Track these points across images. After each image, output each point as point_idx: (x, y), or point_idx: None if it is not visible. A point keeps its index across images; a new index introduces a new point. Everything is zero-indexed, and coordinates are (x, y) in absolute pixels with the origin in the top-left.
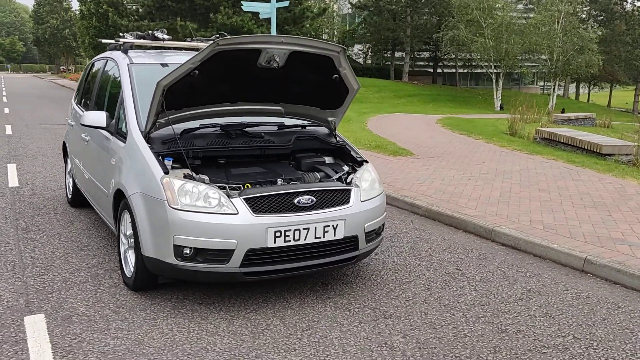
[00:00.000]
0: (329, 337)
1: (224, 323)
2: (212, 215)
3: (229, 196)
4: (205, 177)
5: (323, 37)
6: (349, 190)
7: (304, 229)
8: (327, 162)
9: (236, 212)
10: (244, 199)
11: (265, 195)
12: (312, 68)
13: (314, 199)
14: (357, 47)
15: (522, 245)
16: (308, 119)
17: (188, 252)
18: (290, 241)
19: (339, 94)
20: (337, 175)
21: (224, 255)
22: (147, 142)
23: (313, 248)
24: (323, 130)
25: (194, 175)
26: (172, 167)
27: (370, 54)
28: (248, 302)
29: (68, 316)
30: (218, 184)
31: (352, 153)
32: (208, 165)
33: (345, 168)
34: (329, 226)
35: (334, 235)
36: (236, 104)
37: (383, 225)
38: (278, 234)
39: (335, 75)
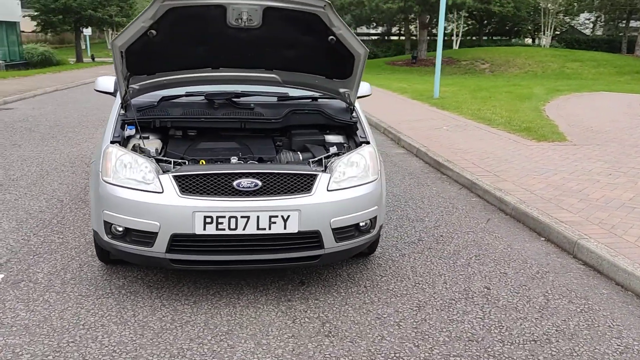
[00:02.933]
0: (237, 349)
1: (147, 309)
2: (136, 192)
3: (165, 172)
4: (153, 149)
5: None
6: (312, 176)
7: (242, 217)
8: (333, 141)
9: (161, 191)
10: (174, 176)
11: (197, 174)
12: (301, 28)
13: (259, 183)
14: (583, 17)
15: (605, 267)
16: (315, 89)
17: (119, 230)
18: (224, 230)
19: (345, 61)
20: (318, 158)
21: (148, 237)
22: (125, 109)
23: (256, 241)
24: (338, 104)
25: (142, 146)
26: (141, 137)
27: (600, 23)
28: (190, 290)
29: (21, 280)
30: (167, 159)
31: (359, 132)
32: (184, 136)
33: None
34: (276, 217)
35: (284, 229)
36: (218, 70)
37: (372, 221)
38: (209, 220)
39: (331, 37)
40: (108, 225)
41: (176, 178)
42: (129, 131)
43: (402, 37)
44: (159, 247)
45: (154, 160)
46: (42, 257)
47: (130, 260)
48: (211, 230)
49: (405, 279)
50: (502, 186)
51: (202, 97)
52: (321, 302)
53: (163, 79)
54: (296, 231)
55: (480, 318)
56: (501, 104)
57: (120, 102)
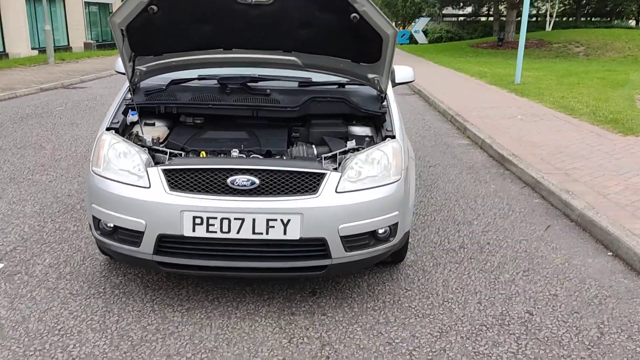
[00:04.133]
0: None
1: (133, 315)
2: (123, 186)
3: (156, 165)
4: (150, 138)
5: None
6: (319, 175)
7: (235, 219)
8: (359, 133)
9: (148, 186)
10: (163, 170)
11: (187, 168)
12: (319, 4)
13: (256, 181)
14: None
15: None
16: (341, 74)
17: (108, 226)
18: (215, 232)
19: (371, 43)
20: (331, 153)
21: (135, 237)
22: (134, 92)
23: (251, 246)
24: (368, 91)
25: (140, 134)
26: (141, 124)
27: None
28: (188, 294)
29: (17, 272)
30: (164, 149)
31: (386, 124)
32: (191, 124)
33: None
34: (275, 220)
35: (284, 234)
36: (231, 52)
37: (392, 228)
38: (198, 221)
39: (354, 15)
40: (96, 221)
41: (165, 172)
42: (132, 117)
43: (491, 18)
44: (146, 248)
45: (146, 151)
46: (49, 247)
47: (120, 259)
48: (201, 232)
49: (433, 295)
50: (570, 187)
51: (215, 82)
52: (328, 318)
53: (171, 61)
54: (298, 238)
55: (513, 353)
56: (589, 92)
57: (128, 85)
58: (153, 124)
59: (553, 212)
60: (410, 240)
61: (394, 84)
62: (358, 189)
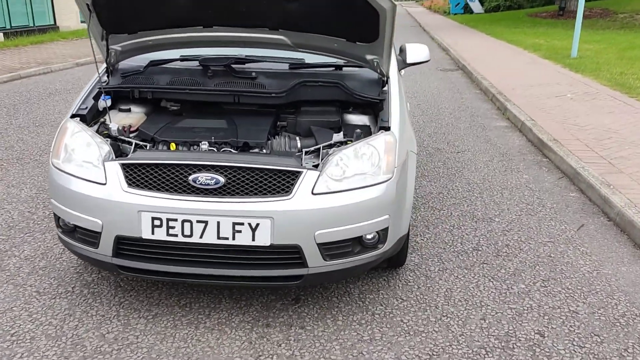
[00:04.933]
0: None
1: (95, 320)
2: (79, 181)
3: (116, 159)
4: (116, 127)
5: None
6: (293, 174)
7: (198, 222)
8: (355, 122)
9: (104, 182)
10: (121, 165)
11: (145, 163)
12: None
13: (221, 179)
14: None
15: None
16: (336, 55)
17: (68, 224)
18: (176, 235)
19: (367, 19)
20: (314, 147)
21: (92, 237)
22: (111, 74)
23: (217, 252)
24: (368, 75)
25: (107, 122)
26: (120, 109)
27: None
28: (160, 297)
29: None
30: (130, 140)
31: (382, 112)
32: (168, 111)
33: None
34: (242, 224)
35: (252, 240)
36: (212, 29)
37: (381, 233)
38: (157, 222)
39: None
40: (57, 218)
41: (124, 167)
42: (103, 102)
43: None
44: (105, 250)
45: (108, 142)
46: (32, 236)
47: (83, 260)
48: (161, 235)
49: (431, 307)
50: (613, 180)
51: (197, 63)
52: (306, 332)
53: (148, 39)
54: (268, 244)
55: None
56: None
57: (104, 66)
58: (128, 110)
59: (590, 208)
60: (416, 239)
61: (406, 65)
62: (339, 189)
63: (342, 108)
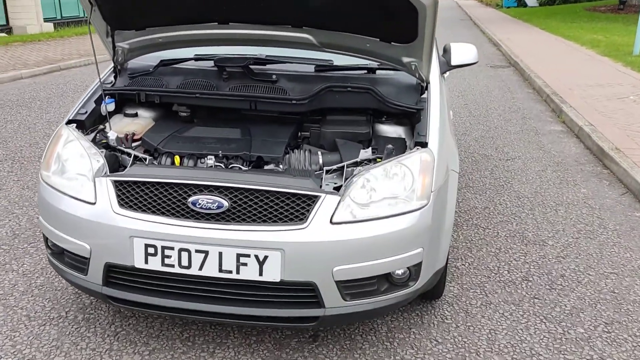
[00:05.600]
0: None
1: (83, 355)
2: (66, 199)
3: (120, 170)
4: (114, 135)
5: None
6: (308, 199)
7: (197, 251)
8: (390, 134)
9: (93, 201)
10: (114, 182)
11: (139, 181)
12: None
13: (224, 202)
14: None
15: None
16: (368, 57)
17: (56, 246)
18: (173, 266)
19: (404, 17)
20: (337, 166)
21: (81, 262)
22: (119, 74)
23: (219, 287)
24: (406, 79)
25: (107, 129)
26: (126, 114)
27: None
28: (162, 328)
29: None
30: (129, 151)
31: (420, 125)
32: (178, 117)
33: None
34: (247, 256)
35: (259, 275)
36: (228, 27)
37: (414, 269)
38: (151, 250)
39: None
40: (45, 237)
41: (116, 185)
42: (109, 106)
43: None
44: (94, 278)
45: (102, 154)
46: (35, 247)
47: (73, 286)
48: (155, 264)
49: (471, 354)
50: None
51: (212, 63)
52: None
53: (157, 37)
54: (278, 280)
55: None
56: None
57: (112, 66)
58: (135, 115)
59: None
60: (456, 264)
61: (449, 67)
62: (363, 218)
63: (374, 117)
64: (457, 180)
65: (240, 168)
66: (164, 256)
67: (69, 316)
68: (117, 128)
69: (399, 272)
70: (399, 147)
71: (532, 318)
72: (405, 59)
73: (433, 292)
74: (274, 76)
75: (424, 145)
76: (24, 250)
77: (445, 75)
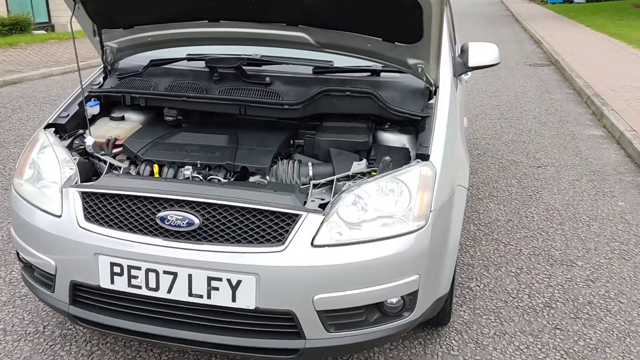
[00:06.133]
0: None
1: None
2: (33, 210)
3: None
4: (90, 141)
5: None
6: (288, 218)
7: (165, 272)
8: (390, 143)
9: (59, 214)
10: (82, 193)
11: (105, 193)
12: None
13: (195, 220)
14: None
15: None
16: (370, 58)
17: (25, 259)
18: (140, 287)
19: (409, 15)
20: (325, 180)
21: (48, 278)
22: (109, 74)
23: (190, 311)
24: (411, 83)
25: (87, 135)
26: (112, 118)
27: None
28: (141, 350)
29: None
30: (105, 158)
31: (423, 134)
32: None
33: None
34: (219, 280)
35: (232, 301)
36: (219, 24)
37: (409, 298)
38: (117, 269)
39: None
40: (16, 250)
41: (83, 197)
42: (91, 108)
43: None
44: (61, 295)
45: (75, 161)
46: None
47: (42, 302)
48: (121, 284)
49: None
50: None
51: (204, 64)
52: None
53: (146, 35)
54: (252, 307)
55: None
56: None
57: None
58: (121, 118)
59: None
60: (470, 284)
61: (467, 69)
62: (350, 241)
63: (376, 124)
64: (465, 198)
65: (219, 180)
66: (130, 276)
67: (45, 331)
68: (101, 132)
69: (393, 300)
70: (401, 159)
71: (551, 353)
72: (411, 61)
73: (437, 319)
74: (267, 78)
75: (425, 157)
76: (9, 258)
77: (466, 77)
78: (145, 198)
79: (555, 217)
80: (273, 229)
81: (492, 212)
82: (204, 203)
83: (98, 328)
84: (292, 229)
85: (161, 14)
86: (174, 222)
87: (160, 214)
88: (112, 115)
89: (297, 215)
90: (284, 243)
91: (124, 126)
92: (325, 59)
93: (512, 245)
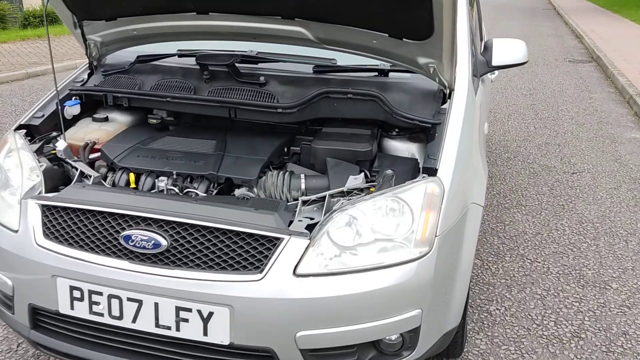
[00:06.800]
0: None
1: None
2: None
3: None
4: (62, 145)
5: None
6: (269, 241)
7: (129, 300)
8: (399, 152)
9: (16, 229)
10: (42, 206)
11: (69, 208)
12: None
13: (163, 241)
14: None
15: None
16: (376, 56)
17: None
18: (102, 315)
19: (419, 8)
20: (316, 196)
21: (7, 298)
22: (95, 70)
23: (157, 343)
24: (423, 85)
25: (60, 138)
26: (94, 119)
27: None
28: None
29: None
30: (77, 164)
31: (432, 145)
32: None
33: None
34: (188, 310)
35: (204, 334)
36: (208, 17)
37: (410, 335)
38: (77, 294)
39: None
40: None
41: (43, 210)
42: (70, 108)
43: None
44: (21, 318)
45: (40, 169)
46: None
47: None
48: (82, 311)
49: None
50: None
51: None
52: None
53: (131, 28)
54: (226, 343)
55: None
56: None
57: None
58: (105, 119)
59: None
60: (489, 307)
61: (490, 69)
62: (339, 270)
63: (384, 130)
64: (481, 216)
65: (196, 194)
66: (91, 302)
67: (19, 350)
68: (80, 135)
69: (393, 337)
70: (407, 171)
71: None
72: (422, 60)
73: (447, 352)
74: (261, 78)
75: (432, 172)
76: None
77: (492, 76)
78: (110, 214)
79: (589, 231)
80: (250, 254)
81: (519, 223)
82: (173, 222)
83: (60, 357)
84: (271, 255)
85: (144, 5)
86: (138, 243)
87: (125, 233)
88: (95, 116)
89: (277, 238)
90: (262, 271)
91: (107, 128)
92: (328, 56)
93: (539, 262)
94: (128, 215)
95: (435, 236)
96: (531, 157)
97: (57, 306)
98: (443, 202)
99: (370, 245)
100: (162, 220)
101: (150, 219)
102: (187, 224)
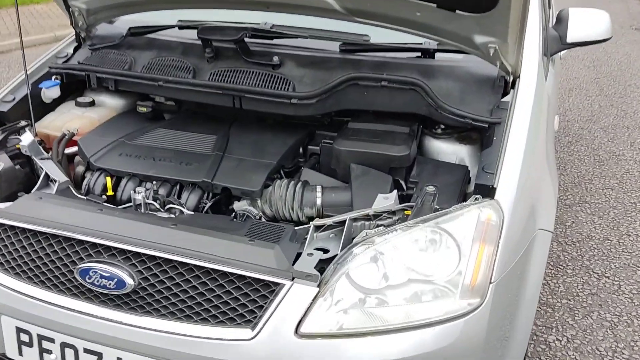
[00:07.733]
0: None
1: None
2: None
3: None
4: (28, 138)
5: None
6: (264, 287)
7: (86, 351)
8: (440, 156)
9: None
10: None
11: (19, 228)
12: None
13: (129, 280)
14: None
15: None
16: (420, 32)
17: None
18: None
19: None
20: (333, 220)
21: None
22: (82, 43)
23: None
24: (477, 69)
25: (27, 130)
26: (77, 103)
27: None
28: None
29: None
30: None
31: (488, 151)
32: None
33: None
34: None
35: None
36: None
37: None
38: (25, 338)
39: None
40: None
41: None
42: (48, 90)
43: None
44: None
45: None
46: None
47: None
48: (31, 358)
49: None
50: None
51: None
52: None
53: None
54: None
55: None
56: None
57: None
58: (91, 104)
59: None
60: (548, 338)
61: (564, 46)
62: (358, 330)
63: (425, 126)
64: (549, 246)
65: (181, 212)
66: (42, 350)
67: None
68: (58, 123)
69: None
70: (455, 183)
71: None
72: (479, 38)
73: None
74: (275, 58)
75: (488, 191)
76: None
77: (561, 54)
78: (65, 239)
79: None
80: (241, 303)
81: (582, 225)
82: (143, 254)
83: None
84: (268, 306)
85: None
86: (97, 281)
87: (82, 266)
88: (79, 99)
89: (276, 283)
90: (254, 326)
91: (91, 115)
92: (358, 32)
93: (607, 277)
94: (87, 242)
95: (490, 282)
96: (596, 142)
97: (3, 349)
98: (502, 234)
99: (401, 288)
100: (130, 252)
101: (115, 248)
102: (160, 257)
